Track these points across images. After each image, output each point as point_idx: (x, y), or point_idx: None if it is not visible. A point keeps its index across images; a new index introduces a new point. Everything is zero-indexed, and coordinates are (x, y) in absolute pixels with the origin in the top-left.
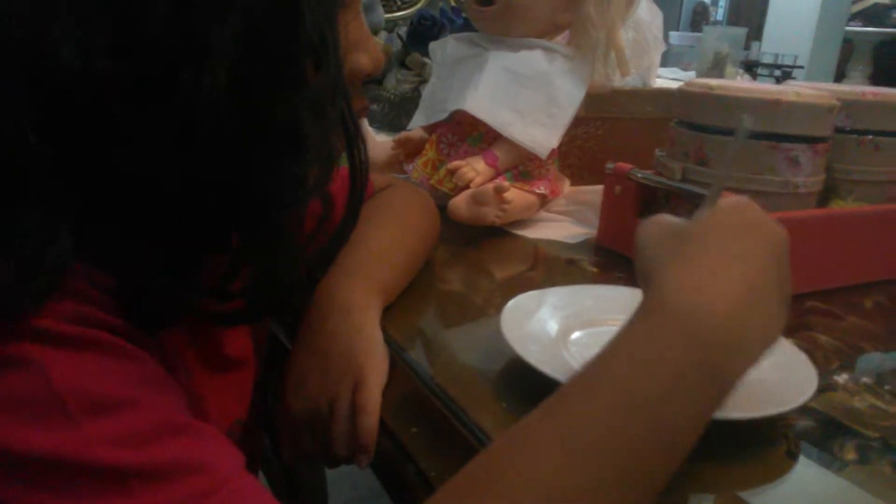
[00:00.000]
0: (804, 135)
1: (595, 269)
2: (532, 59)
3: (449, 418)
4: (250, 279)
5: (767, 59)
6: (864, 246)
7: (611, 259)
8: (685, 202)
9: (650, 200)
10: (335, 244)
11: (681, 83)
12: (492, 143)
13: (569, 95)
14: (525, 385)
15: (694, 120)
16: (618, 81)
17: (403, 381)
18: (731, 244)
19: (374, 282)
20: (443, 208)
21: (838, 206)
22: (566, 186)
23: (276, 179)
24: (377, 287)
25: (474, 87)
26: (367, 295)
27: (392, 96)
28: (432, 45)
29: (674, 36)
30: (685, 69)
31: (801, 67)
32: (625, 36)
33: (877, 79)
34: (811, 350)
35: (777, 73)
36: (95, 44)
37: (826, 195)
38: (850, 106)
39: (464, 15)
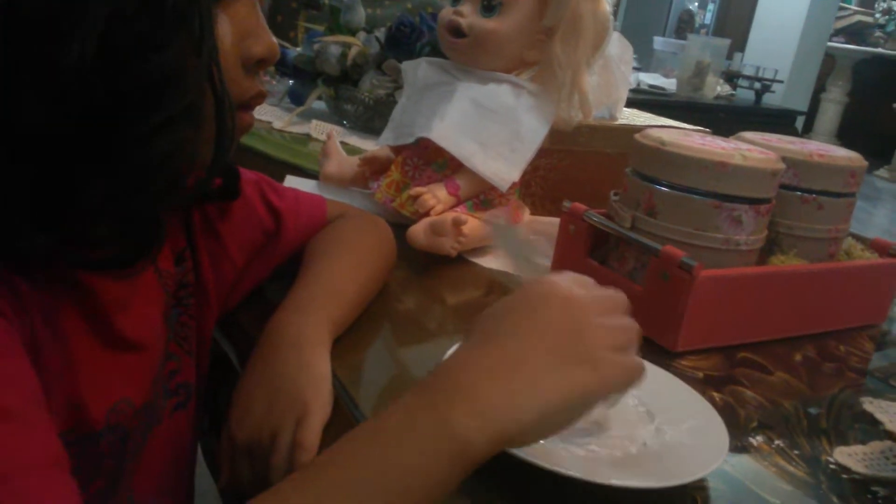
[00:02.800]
0: (748, 196)
1: None
2: (499, 94)
3: None
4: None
5: (749, 71)
6: (799, 301)
7: None
8: (633, 249)
9: (601, 242)
10: (198, 188)
11: (642, 126)
12: (455, 170)
13: (532, 131)
14: None
15: (645, 171)
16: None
17: (344, 421)
18: (503, 323)
19: (324, 317)
20: (404, 228)
21: (779, 261)
22: (526, 214)
23: (134, 118)
24: (328, 323)
25: (441, 116)
26: (318, 331)
27: (367, 98)
28: (405, 65)
29: (658, 41)
30: (667, 75)
31: (781, 82)
32: (590, 79)
33: (855, 95)
34: (735, 407)
35: (757, 85)
36: None
37: (769, 248)
38: (796, 165)
39: None
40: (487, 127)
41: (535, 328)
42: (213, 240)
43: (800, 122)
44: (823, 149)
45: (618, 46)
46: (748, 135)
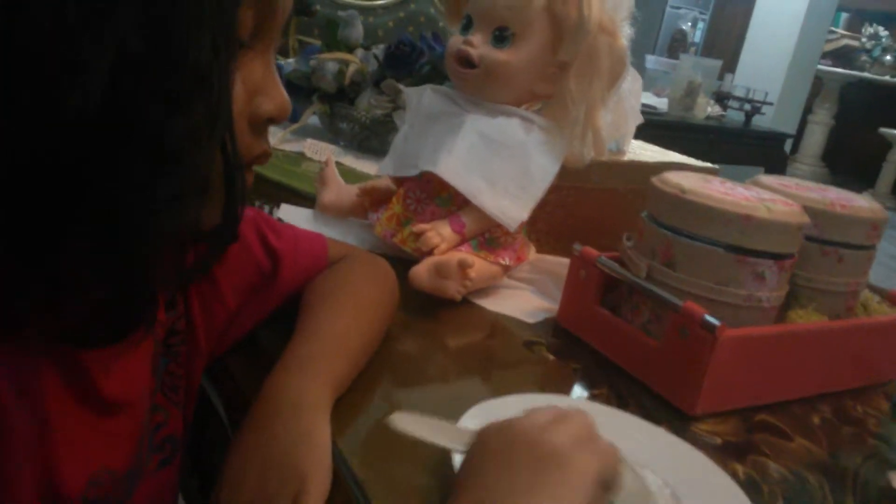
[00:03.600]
0: (772, 251)
1: (552, 357)
2: (509, 128)
3: None
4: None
5: (739, 92)
6: (818, 359)
7: (569, 344)
8: (648, 300)
9: (614, 289)
10: (190, 272)
11: (653, 159)
12: (460, 206)
13: (543, 169)
14: None
15: (664, 219)
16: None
17: (343, 497)
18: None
19: (327, 376)
20: (405, 262)
21: (798, 316)
22: (531, 253)
23: (137, 193)
24: (330, 382)
25: (448, 150)
26: (319, 393)
27: (364, 118)
28: (408, 91)
29: (650, 60)
30: (658, 94)
31: (771, 104)
32: (604, 116)
33: (841, 118)
34: (758, 482)
35: (747, 107)
36: None
37: (787, 302)
38: (817, 216)
39: (444, 44)
40: (496, 163)
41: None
42: (207, 282)
43: (787, 145)
44: (845, 198)
45: (629, 79)
46: (765, 179)
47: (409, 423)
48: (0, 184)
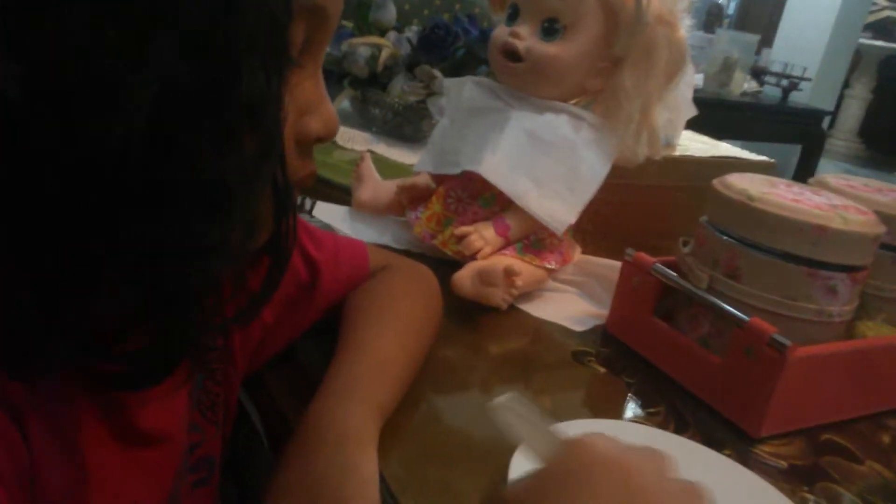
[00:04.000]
0: (846, 264)
1: (602, 369)
2: (557, 125)
3: None
4: (146, 341)
5: (777, 68)
6: (886, 376)
7: (619, 355)
8: (708, 312)
9: (669, 296)
10: (249, 313)
11: (705, 152)
12: (504, 207)
13: (592, 169)
14: None
15: (728, 228)
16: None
17: None
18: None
19: (372, 404)
20: (445, 264)
21: (867, 327)
22: (577, 254)
23: (184, 238)
24: (376, 410)
25: (492, 149)
26: (365, 422)
27: (397, 105)
28: (448, 83)
29: None
30: (693, 70)
31: (809, 80)
32: (660, 113)
33: (880, 93)
34: None
35: (784, 82)
36: (7, 71)
37: (854, 314)
38: (889, 222)
39: (480, 27)
40: (543, 162)
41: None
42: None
43: (826, 122)
44: None
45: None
46: (831, 179)
47: (510, 415)
48: (38, 223)
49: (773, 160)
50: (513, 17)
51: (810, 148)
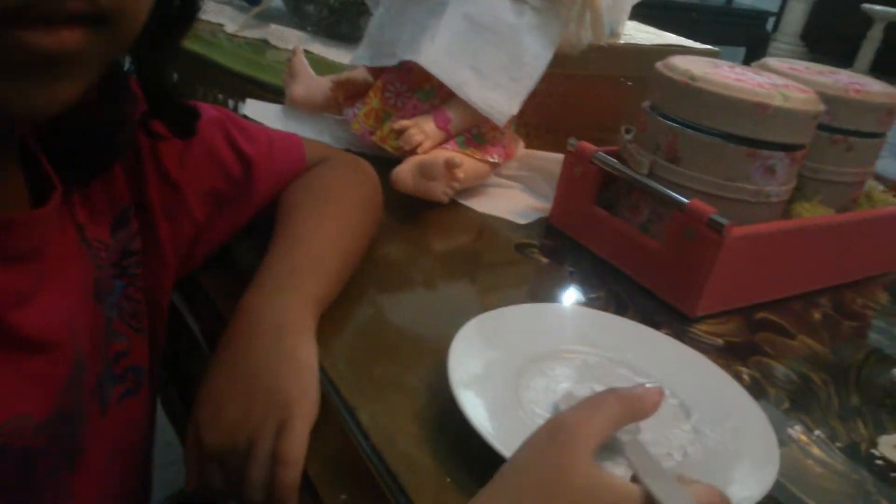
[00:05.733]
0: (785, 142)
1: (545, 259)
2: (498, 9)
3: (383, 491)
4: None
5: None
6: (821, 254)
7: (562, 246)
8: (648, 198)
9: (609, 186)
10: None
11: (650, 42)
12: (444, 100)
13: (535, 56)
14: (473, 452)
15: (669, 111)
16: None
17: (335, 426)
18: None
19: (308, 296)
20: (385, 161)
21: (803, 208)
22: (520, 148)
23: None
24: (311, 302)
25: (430, 36)
26: (301, 311)
27: (332, 1)
28: None
29: None
30: None
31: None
32: None
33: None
34: (763, 385)
35: None
36: None
37: (791, 194)
38: (829, 102)
39: None
40: (484, 50)
41: None
42: (169, 191)
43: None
44: (858, 82)
45: None
46: (773, 62)
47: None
48: None
49: (717, 49)
50: None
51: (753, 50)
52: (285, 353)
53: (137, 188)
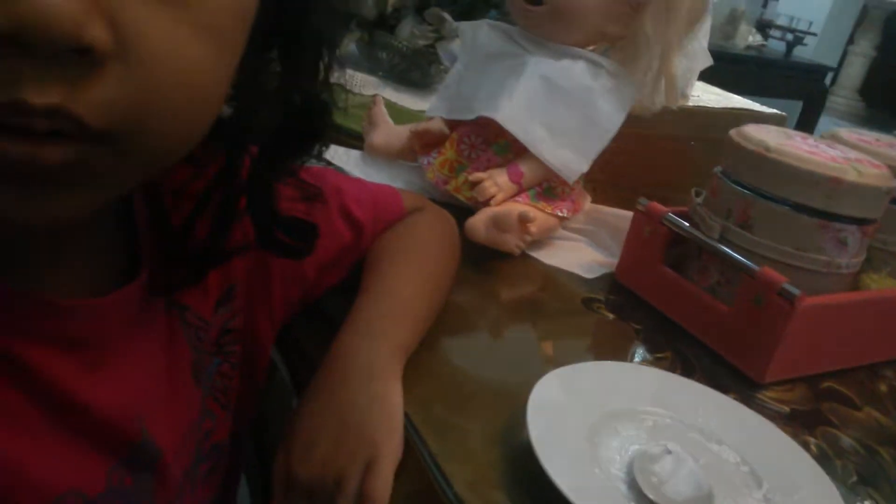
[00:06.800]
0: (857, 216)
1: (611, 315)
2: (574, 72)
3: None
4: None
5: (782, 21)
6: (887, 327)
7: (629, 302)
8: (718, 261)
9: (679, 248)
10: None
11: (718, 104)
12: (518, 154)
13: (608, 118)
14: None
15: (742, 178)
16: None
17: (415, 465)
18: None
19: (396, 343)
20: (457, 210)
21: (871, 280)
22: (587, 203)
23: None
24: (399, 348)
25: (508, 95)
26: (390, 359)
27: (404, 49)
28: (463, 27)
29: None
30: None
31: (814, 34)
32: (679, 61)
33: (884, 49)
34: (831, 457)
35: (789, 37)
36: None
37: (860, 266)
38: None
39: None
40: (558, 110)
41: None
42: (289, 262)
43: (829, 79)
44: None
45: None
46: (844, 133)
47: None
48: None
49: (784, 114)
50: None
51: (811, 104)
52: (374, 396)
53: (260, 261)
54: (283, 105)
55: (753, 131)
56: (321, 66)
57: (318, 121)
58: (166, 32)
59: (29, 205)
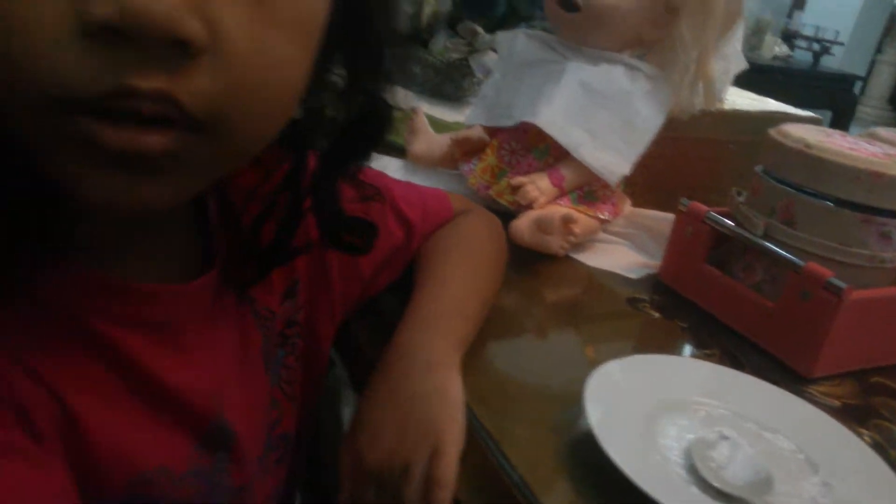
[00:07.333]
0: None
1: (657, 314)
2: (612, 76)
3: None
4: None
5: (808, 31)
6: None
7: (673, 302)
8: (763, 258)
9: (719, 247)
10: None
11: (754, 108)
12: (558, 159)
13: (647, 120)
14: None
15: (784, 176)
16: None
17: (477, 452)
18: None
19: (454, 337)
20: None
21: None
22: (627, 206)
23: None
24: (456, 342)
25: (548, 100)
26: (448, 351)
27: (438, 63)
28: (500, 37)
29: None
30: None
31: (841, 44)
32: (716, 63)
33: None
34: (886, 448)
35: (816, 46)
36: None
37: None
38: None
39: None
40: (598, 114)
41: None
42: (348, 261)
43: (857, 88)
44: None
45: None
46: (882, 132)
47: None
48: None
49: (819, 117)
50: None
51: (840, 114)
52: (435, 387)
53: (319, 259)
54: (348, 106)
55: (793, 130)
56: (383, 69)
57: (380, 122)
58: (256, 31)
59: (132, 190)
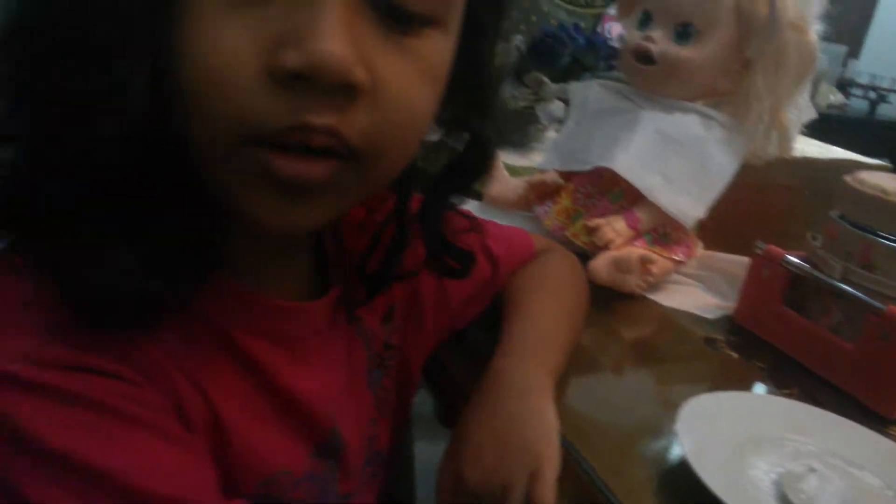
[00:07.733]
0: None
1: (735, 355)
2: (687, 124)
3: None
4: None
5: (864, 79)
6: None
7: (750, 342)
8: (840, 301)
9: (796, 290)
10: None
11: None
12: (633, 202)
13: (721, 166)
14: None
15: (862, 221)
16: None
17: (571, 475)
18: None
19: (547, 365)
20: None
21: None
22: (699, 249)
23: None
24: (550, 370)
25: (624, 146)
26: (543, 379)
27: (506, 110)
28: (573, 87)
29: None
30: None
31: None
32: (790, 113)
33: None
34: None
35: (872, 94)
36: None
37: None
38: None
39: (586, 35)
40: (673, 160)
41: None
42: (440, 292)
43: None
44: None
45: None
46: None
47: None
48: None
49: (888, 164)
50: (644, 21)
51: None
52: (532, 413)
53: (413, 288)
54: (451, 144)
55: (868, 177)
56: (491, 107)
57: (484, 156)
58: (403, 76)
59: (288, 212)
